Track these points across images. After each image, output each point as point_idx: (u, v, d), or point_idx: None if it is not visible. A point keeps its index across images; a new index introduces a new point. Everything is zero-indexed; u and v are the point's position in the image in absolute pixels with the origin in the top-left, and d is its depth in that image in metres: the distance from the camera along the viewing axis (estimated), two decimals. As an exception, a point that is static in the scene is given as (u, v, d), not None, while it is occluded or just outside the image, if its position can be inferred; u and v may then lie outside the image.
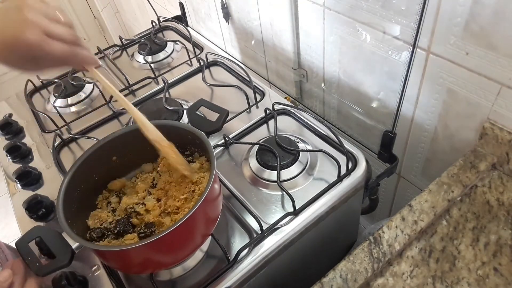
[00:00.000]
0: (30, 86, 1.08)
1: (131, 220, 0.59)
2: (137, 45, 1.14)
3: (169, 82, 0.97)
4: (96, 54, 1.14)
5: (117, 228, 0.58)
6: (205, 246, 0.64)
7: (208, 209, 0.55)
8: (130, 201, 0.61)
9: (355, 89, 0.87)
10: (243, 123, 0.83)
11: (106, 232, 0.58)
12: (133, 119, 0.59)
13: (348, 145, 0.73)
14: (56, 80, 1.05)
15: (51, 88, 1.07)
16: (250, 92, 0.89)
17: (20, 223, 0.75)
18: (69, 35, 0.48)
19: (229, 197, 0.69)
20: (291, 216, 0.64)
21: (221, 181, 0.71)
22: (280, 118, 0.82)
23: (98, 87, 1.03)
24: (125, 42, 1.17)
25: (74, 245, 0.51)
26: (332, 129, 0.75)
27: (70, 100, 1.00)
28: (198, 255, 0.63)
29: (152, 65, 1.02)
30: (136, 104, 0.95)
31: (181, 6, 1.39)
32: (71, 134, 0.89)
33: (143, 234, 0.57)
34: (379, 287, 0.55)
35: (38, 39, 0.44)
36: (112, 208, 0.62)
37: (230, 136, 0.79)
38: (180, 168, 0.59)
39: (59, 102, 1.01)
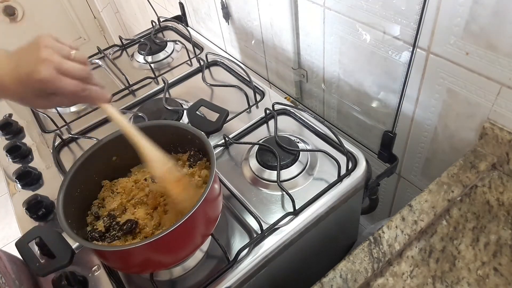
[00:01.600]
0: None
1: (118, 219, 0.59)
2: (137, 45, 1.14)
3: (169, 82, 0.97)
4: (96, 54, 1.15)
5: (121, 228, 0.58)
6: (205, 246, 0.64)
7: (208, 209, 0.55)
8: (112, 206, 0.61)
9: (355, 89, 0.87)
10: (243, 123, 0.83)
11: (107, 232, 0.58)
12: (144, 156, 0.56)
13: (348, 145, 0.73)
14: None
15: (51, 88, 1.07)
16: (250, 92, 0.89)
17: (20, 223, 0.75)
18: (80, 71, 0.50)
19: (229, 197, 0.69)
20: (291, 216, 0.64)
21: (221, 181, 0.71)
22: (280, 118, 0.82)
23: (98, 87, 1.03)
24: (125, 42, 1.17)
25: (74, 245, 0.51)
26: (332, 129, 0.75)
27: (70, 100, 1.00)
28: (198, 255, 0.63)
29: (152, 65, 1.02)
30: (136, 104, 0.95)
31: (181, 6, 1.39)
32: (71, 134, 0.89)
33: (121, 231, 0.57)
34: (379, 287, 0.55)
35: (50, 75, 0.47)
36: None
37: (230, 136, 0.79)
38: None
39: (59, 102, 1.00)
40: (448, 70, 0.65)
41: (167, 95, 0.92)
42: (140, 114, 0.86)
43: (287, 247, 0.63)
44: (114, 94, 0.95)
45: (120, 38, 1.17)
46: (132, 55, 1.13)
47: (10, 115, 1.01)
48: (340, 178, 0.68)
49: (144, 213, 0.59)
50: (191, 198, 0.54)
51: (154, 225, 0.57)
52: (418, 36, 0.65)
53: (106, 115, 0.55)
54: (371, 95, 0.84)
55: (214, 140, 0.80)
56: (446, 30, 0.61)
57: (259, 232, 0.62)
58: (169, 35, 1.20)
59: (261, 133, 0.81)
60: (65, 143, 0.89)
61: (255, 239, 0.61)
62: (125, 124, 0.55)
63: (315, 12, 0.84)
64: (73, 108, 0.99)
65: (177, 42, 1.13)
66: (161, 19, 1.22)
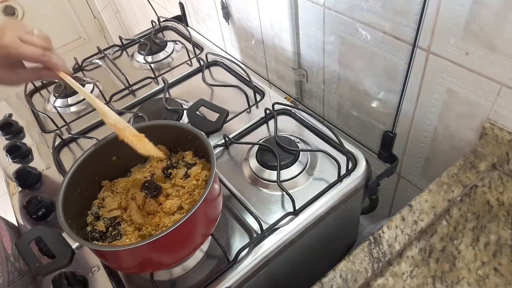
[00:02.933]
0: (30, 86, 1.08)
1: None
2: (137, 45, 1.14)
3: (169, 82, 0.97)
4: (96, 54, 1.15)
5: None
6: (205, 246, 0.64)
7: (208, 209, 0.55)
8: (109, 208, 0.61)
9: (355, 89, 0.87)
10: (243, 123, 0.83)
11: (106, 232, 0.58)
12: (97, 110, 0.61)
13: (348, 145, 0.73)
14: (56, 80, 1.05)
15: (51, 88, 1.07)
16: (250, 92, 0.89)
17: (20, 223, 0.75)
18: (41, 42, 0.56)
19: (229, 197, 0.69)
20: (291, 216, 0.64)
21: (221, 181, 0.71)
22: (280, 118, 0.82)
23: (98, 87, 1.03)
24: (125, 42, 1.17)
25: (74, 245, 0.51)
26: (332, 129, 0.75)
27: (70, 100, 1.00)
28: (198, 255, 0.63)
29: (152, 65, 1.02)
30: (136, 104, 0.95)
31: (181, 6, 1.39)
32: (71, 134, 0.89)
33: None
34: (379, 287, 0.55)
35: (12, 41, 0.54)
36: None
37: (230, 136, 0.79)
38: (139, 150, 0.59)
39: (59, 102, 1.01)
40: (448, 70, 0.65)
41: (167, 95, 0.92)
42: (140, 114, 0.86)
43: (287, 247, 0.63)
44: (114, 94, 0.95)
45: (120, 38, 1.17)
46: (132, 55, 1.13)
47: (10, 115, 1.01)
48: (340, 178, 0.68)
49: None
50: (147, 147, 0.59)
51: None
52: (418, 36, 0.65)
53: (64, 83, 0.60)
54: (371, 95, 0.84)
55: (214, 140, 0.80)
56: (446, 30, 0.61)
57: (259, 232, 0.62)
58: (169, 35, 1.20)
59: (261, 133, 0.81)
60: (65, 143, 0.89)
61: (255, 239, 0.61)
62: (84, 91, 0.61)
63: (315, 12, 0.84)
64: (73, 108, 0.99)
65: (177, 42, 1.13)
66: (161, 19, 1.22)
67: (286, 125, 0.81)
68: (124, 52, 1.16)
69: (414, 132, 0.80)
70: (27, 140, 0.93)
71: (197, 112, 0.78)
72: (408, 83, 0.73)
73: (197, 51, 1.08)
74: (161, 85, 0.98)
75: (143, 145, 0.59)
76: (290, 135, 0.77)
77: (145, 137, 0.60)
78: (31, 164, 0.86)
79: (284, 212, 0.64)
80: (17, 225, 0.76)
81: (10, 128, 0.95)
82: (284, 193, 0.67)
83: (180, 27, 1.20)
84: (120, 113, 0.92)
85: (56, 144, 0.86)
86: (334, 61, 0.88)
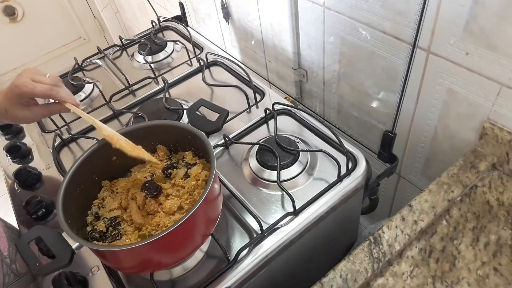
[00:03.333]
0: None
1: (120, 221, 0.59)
2: (137, 45, 1.14)
3: (169, 82, 0.97)
4: (96, 54, 1.15)
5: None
6: (205, 246, 0.64)
7: (208, 209, 0.55)
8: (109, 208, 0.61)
9: (355, 89, 0.87)
10: (243, 123, 0.83)
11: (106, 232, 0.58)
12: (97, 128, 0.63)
13: (348, 145, 0.73)
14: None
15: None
16: (250, 92, 0.89)
17: (20, 223, 0.75)
18: (50, 81, 0.63)
19: (229, 197, 0.69)
20: (291, 216, 0.64)
21: (221, 181, 0.71)
22: (280, 118, 0.82)
23: (98, 87, 1.03)
24: (125, 42, 1.17)
25: (74, 245, 0.51)
26: (332, 129, 0.75)
27: (70, 100, 1.00)
28: (198, 255, 0.63)
29: (152, 65, 1.02)
30: (136, 104, 0.95)
31: (181, 6, 1.39)
32: (71, 134, 0.89)
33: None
34: (379, 287, 0.55)
35: (25, 81, 0.62)
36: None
37: (230, 136, 0.79)
38: (135, 155, 0.61)
39: (59, 102, 1.01)
40: (448, 70, 0.65)
41: (167, 95, 0.92)
42: (140, 114, 0.86)
43: (287, 247, 0.63)
44: (114, 94, 0.95)
45: (120, 38, 1.17)
46: (132, 55, 1.13)
47: (10, 115, 1.01)
48: (340, 178, 0.68)
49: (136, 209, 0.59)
50: (142, 155, 0.62)
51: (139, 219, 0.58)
52: (418, 36, 0.65)
53: (73, 112, 0.66)
54: (371, 95, 0.84)
55: (214, 140, 0.80)
56: (446, 30, 0.61)
57: (259, 232, 0.62)
58: (169, 35, 1.20)
59: (261, 133, 0.81)
60: (65, 143, 0.89)
61: (255, 239, 0.61)
62: (88, 116, 0.64)
63: (315, 12, 0.84)
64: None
65: (177, 42, 1.13)
66: (161, 19, 1.22)
67: (286, 125, 0.81)
68: (124, 52, 1.16)
69: (414, 132, 0.80)
70: (27, 140, 0.93)
71: (197, 112, 0.78)
72: (408, 83, 0.73)
73: (197, 51, 1.08)
74: (161, 85, 0.98)
75: (137, 152, 0.61)
76: (290, 135, 0.77)
77: (142, 148, 0.62)
78: (31, 164, 0.86)
79: (284, 212, 0.64)
80: (16, 225, 0.76)
81: (10, 128, 0.95)
82: (284, 193, 0.67)
83: (180, 27, 1.20)
84: (120, 113, 0.93)
85: (56, 144, 0.86)
86: (334, 61, 0.88)
